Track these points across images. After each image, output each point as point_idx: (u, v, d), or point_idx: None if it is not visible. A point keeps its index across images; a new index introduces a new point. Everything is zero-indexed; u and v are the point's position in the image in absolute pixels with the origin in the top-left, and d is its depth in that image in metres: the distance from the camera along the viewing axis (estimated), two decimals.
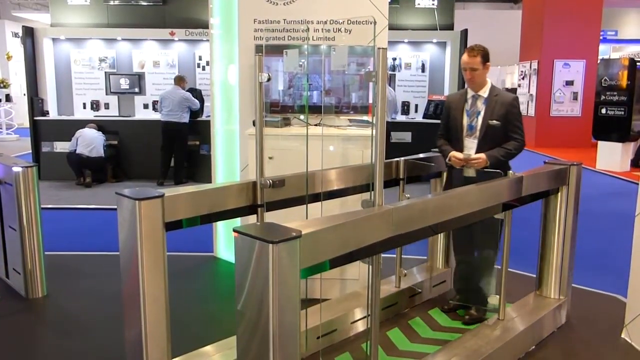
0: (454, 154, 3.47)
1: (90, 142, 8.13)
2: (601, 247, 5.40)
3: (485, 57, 3.41)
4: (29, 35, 9.01)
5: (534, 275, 3.74)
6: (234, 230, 1.86)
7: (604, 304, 3.97)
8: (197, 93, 8.81)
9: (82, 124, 8.45)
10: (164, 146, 8.40)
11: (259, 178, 2.86)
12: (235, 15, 4.38)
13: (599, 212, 6.73)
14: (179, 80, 8.40)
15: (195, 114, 8.61)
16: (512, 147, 3.40)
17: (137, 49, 9.61)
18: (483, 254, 3.59)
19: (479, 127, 3.45)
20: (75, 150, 8.11)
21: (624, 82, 10.00)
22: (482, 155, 3.36)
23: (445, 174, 3.81)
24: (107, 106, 9.55)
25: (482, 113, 3.44)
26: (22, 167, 3.89)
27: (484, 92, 3.48)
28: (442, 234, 4.04)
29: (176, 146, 8.41)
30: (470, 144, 3.48)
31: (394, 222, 2.23)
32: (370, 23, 3.65)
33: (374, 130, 2.20)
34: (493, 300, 3.55)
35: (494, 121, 3.37)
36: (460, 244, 3.77)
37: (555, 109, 13.61)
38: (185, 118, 8.35)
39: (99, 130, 8.47)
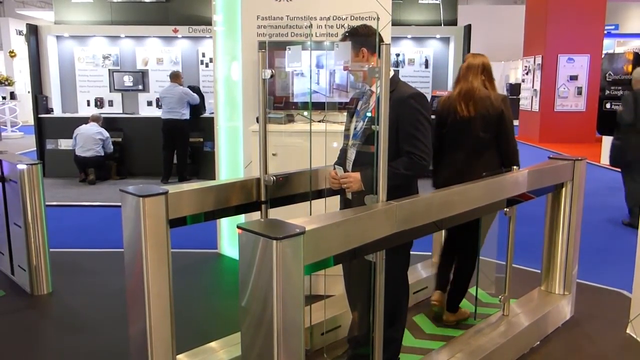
0: (332, 172, 2.67)
1: (84, 142, 8.09)
2: (606, 242, 5.39)
3: (359, 40, 2.48)
4: (33, 33, 9.03)
5: (539, 271, 3.74)
6: (238, 227, 1.86)
7: (608, 299, 3.97)
8: (194, 90, 8.80)
9: (86, 121, 8.41)
10: (165, 145, 8.34)
11: (263, 175, 2.86)
12: (238, 12, 4.38)
13: (604, 207, 6.71)
14: (175, 77, 8.32)
15: (197, 111, 8.59)
16: (402, 165, 2.45)
17: (140, 46, 9.62)
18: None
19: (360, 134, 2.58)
20: (75, 150, 8.16)
21: (628, 76, 9.96)
22: (353, 175, 2.51)
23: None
24: (111, 103, 9.59)
25: (370, 114, 2.54)
26: (26, 164, 3.90)
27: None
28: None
29: (178, 143, 8.38)
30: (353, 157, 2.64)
31: (398, 218, 2.23)
32: (374, 19, 3.63)
33: (378, 127, 2.19)
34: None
35: (376, 126, 2.26)
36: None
37: (560, 104, 13.55)
38: (186, 115, 8.31)
39: (102, 124, 8.37)
